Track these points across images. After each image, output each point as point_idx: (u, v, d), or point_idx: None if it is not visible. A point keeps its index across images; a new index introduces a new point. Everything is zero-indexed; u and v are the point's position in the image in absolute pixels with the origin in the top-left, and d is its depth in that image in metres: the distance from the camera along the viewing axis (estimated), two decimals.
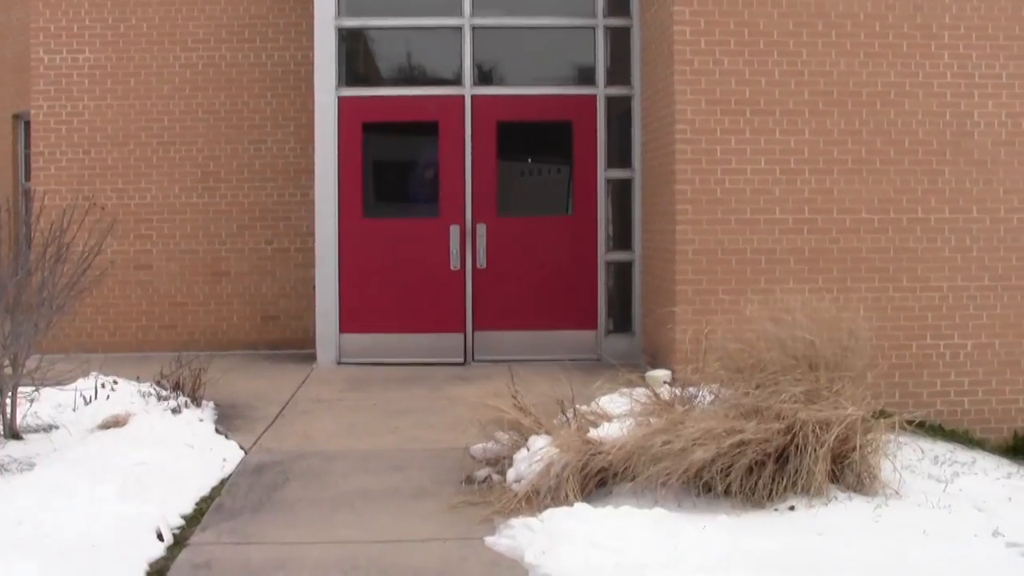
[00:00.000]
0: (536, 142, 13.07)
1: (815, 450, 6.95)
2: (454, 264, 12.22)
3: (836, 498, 7.06)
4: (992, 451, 9.55)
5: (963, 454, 8.88)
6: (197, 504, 7.38)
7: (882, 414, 7.57)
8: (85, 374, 9.44)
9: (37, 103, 13.36)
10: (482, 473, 7.75)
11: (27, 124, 15.10)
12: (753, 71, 10.37)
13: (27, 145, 15.64)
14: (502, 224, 12.35)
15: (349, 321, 12.24)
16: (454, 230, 12.23)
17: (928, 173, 10.50)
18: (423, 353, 12.05)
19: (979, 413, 10.49)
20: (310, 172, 12.49)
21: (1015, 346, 10.55)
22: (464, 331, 12.36)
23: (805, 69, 10.40)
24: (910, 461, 7.99)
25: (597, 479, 7.19)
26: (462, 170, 12.40)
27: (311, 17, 12.36)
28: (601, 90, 12.45)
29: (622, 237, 12.47)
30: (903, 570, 5.95)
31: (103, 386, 9.38)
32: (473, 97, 12.39)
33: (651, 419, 7.38)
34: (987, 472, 8.36)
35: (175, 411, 9.12)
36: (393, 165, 13.05)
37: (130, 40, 13.35)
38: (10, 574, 5.58)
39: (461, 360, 12.23)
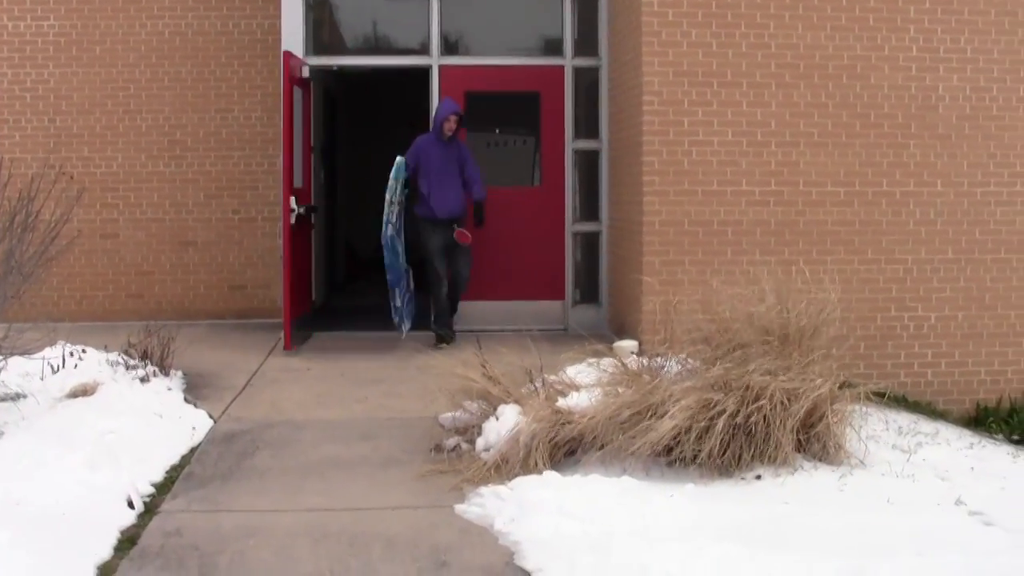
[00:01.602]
0: (504, 113, 13.05)
1: (783, 421, 7.02)
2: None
3: (802, 467, 7.15)
4: (955, 422, 9.65)
5: (927, 425, 8.97)
6: (167, 472, 7.40)
7: (847, 385, 7.65)
8: (52, 343, 9.38)
9: (1, 70, 13.25)
10: (451, 442, 7.80)
11: None
12: (720, 43, 10.39)
13: None
14: None
15: None
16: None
17: (893, 146, 10.57)
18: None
19: (942, 385, 10.60)
20: (277, 141, 12.42)
21: (978, 319, 10.66)
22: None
23: (772, 42, 10.43)
24: (875, 431, 8.10)
25: (566, 448, 7.25)
26: None
27: None
28: (569, 61, 12.45)
29: (590, 208, 12.50)
30: (868, 537, 6.03)
31: (71, 355, 9.34)
32: (441, 67, 12.36)
33: (619, 389, 7.44)
34: (950, 443, 8.46)
35: (143, 380, 9.10)
36: None
37: (95, 7, 13.24)
38: None
39: (428, 331, 12.23)
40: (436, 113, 11.62)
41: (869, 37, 10.49)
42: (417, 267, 11.90)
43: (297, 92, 11.70)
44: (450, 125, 11.39)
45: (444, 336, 11.47)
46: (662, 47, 10.36)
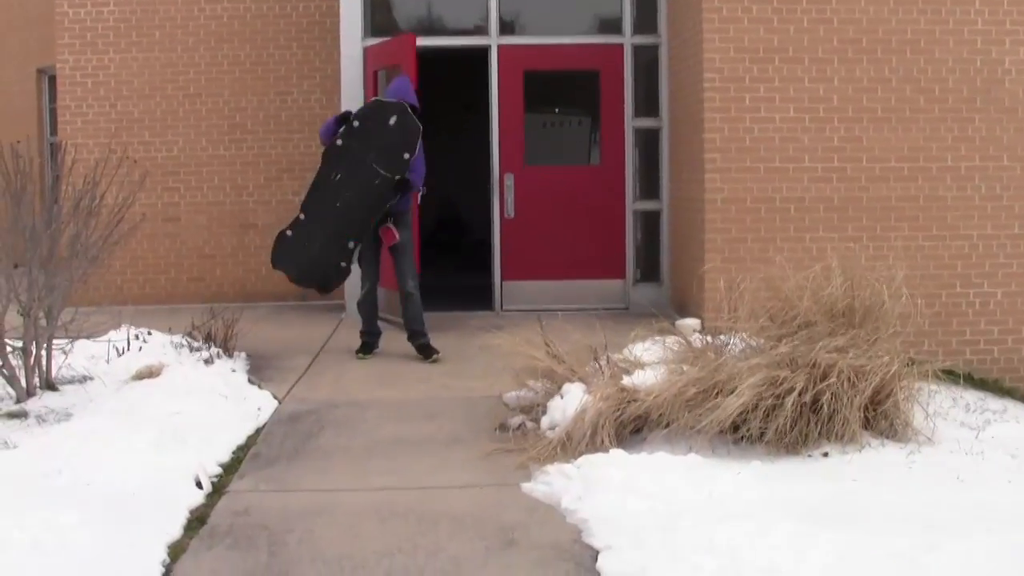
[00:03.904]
0: (563, 92, 13.04)
1: (850, 399, 6.96)
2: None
3: (869, 445, 7.09)
4: (1022, 399, 9.55)
5: (994, 402, 8.90)
6: (234, 453, 7.44)
7: (913, 362, 7.58)
8: (117, 326, 9.50)
9: (63, 57, 13.36)
10: (515, 421, 7.79)
11: (52, 79, 15.12)
12: (782, 19, 10.31)
13: (52, 99, 15.68)
14: (530, 174, 12.33)
15: None
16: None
17: (958, 121, 10.45)
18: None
19: (1008, 362, 10.49)
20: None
21: None
22: (492, 280, 12.39)
23: (834, 16, 10.34)
24: (942, 409, 8.01)
25: (631, 426, 7.23)
26: (487, 120, 12.42)
27: None
28: (628, 39, 12.38)
29: (650, 186, 12.44)
30: (938, 514, 5.96)
31: (136, 338, 9.44)
32: (499, 47, 12.34)
33: (684, 367, 7.40)
34: (1019, 420, 8.39)
35: (207, 362, 9.17)
36: None
37: None
38: (52, 522, 5.63)
39: (490, 310, 12.26)
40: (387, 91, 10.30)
41: (933, 10, 10.36)
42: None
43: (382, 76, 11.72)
44: None
45: (421, 348, 10.06)
46: (723, 23, 10.29)
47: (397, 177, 9.64)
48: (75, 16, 13.31)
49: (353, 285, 11.86)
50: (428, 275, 14.62)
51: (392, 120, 9.62)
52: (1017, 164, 10.48)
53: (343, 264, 9.84)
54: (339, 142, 9.77)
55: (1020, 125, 10.46)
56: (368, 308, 10.14)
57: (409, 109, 9.65)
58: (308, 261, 9.96)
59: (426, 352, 9.96)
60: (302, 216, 9.96)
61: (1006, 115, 10.46)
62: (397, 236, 9.80)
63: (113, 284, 12.59)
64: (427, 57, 11.79)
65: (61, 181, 8.85)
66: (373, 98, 9.82)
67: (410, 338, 10.09)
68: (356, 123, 9.75)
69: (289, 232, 10.01)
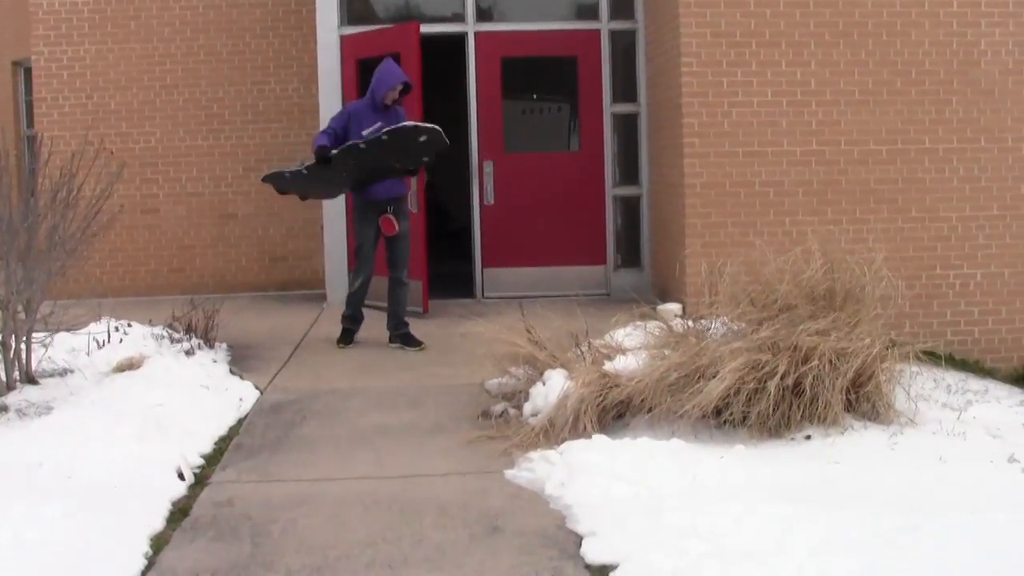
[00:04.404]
0: (541, 78, 13.03)
1: (832, 381, 6.98)
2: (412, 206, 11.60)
3: (852, 427, 7.09)
4: (1004, 380, 9.59)
5: (975, 383, 8.92)
6: (216, 444, 7.41)
7: (895, 344, 7.59)
8: (97, 319, 9.45)
9: (38, 49, 13.30)
10: (498, 408, 7.78)
11: (27, 71, 15.03)
12: (758, 3, 10.33)
13: (28, 92, 15.59)
14: (510, 161, 12.33)
15: None
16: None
17: (936, 103, 10.48)
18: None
19: (989, 343, 10.54)
20: (314, 112, 12.39)
21: None
22: (472, 268, 12.38)
23: (810, 0, 10.34)
24: (924, 390, 8.01)
25: (614, 412, 7.23)
26: (465, 107, 12.41)
27: None
28: (605, 24, 12.37)
29: (629, 172, 12.45)
30: (920, 495, 5.98)
31: (116, 330, 9.39)
32: (477, 34, 12.32)
33: (666, 352, 7.40)
34: (1000, 400, 8.39)
35: (189, 353, 9.14)
36: None
37: None
38: (34, 516, 5.62)
39: (471, 298, 12.25)
40: (377, 78, 9.82)
41: None
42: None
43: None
44: (393, 95, 9.79)
45: (404, 338, 10.02)
46: (699, 7, 10.30)
47: (410, 168, 9.82)
48: (50, 7, 13.24)
49: (333, 273, 11.90)
50: None
51: (423, 138, 9.59)
52: (994, 145, 10.51)
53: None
54: (362, 145, 9.61)
55: (996, 106, 10.50)
56: (358, 299, 10.07)
57: (441, 132, 9.60)
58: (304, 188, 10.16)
59: (410, 341, 9.92)
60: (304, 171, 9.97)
61: (982, 97, 10.49)
62: (396, 227, 9.75)
63: (92, 276, 12.50)
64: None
65: (38, 174, 8.79)
66: (409, 123, 9.69)
67: (395, 327, 10.02)
68: (385, 137, 9.58)
69: (288, 174, 10.13)
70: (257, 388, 8.71)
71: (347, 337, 10.13)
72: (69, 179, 8.65)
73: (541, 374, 7.64)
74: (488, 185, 12.27)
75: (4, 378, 8.27)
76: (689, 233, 10.35)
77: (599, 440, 6.75)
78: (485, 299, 12.24)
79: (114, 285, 13.06)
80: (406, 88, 9.87)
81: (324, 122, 11.41)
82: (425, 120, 10.04)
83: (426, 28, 12.27)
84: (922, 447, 6.86)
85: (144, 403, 7.72)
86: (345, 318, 10.15)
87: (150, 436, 7.07)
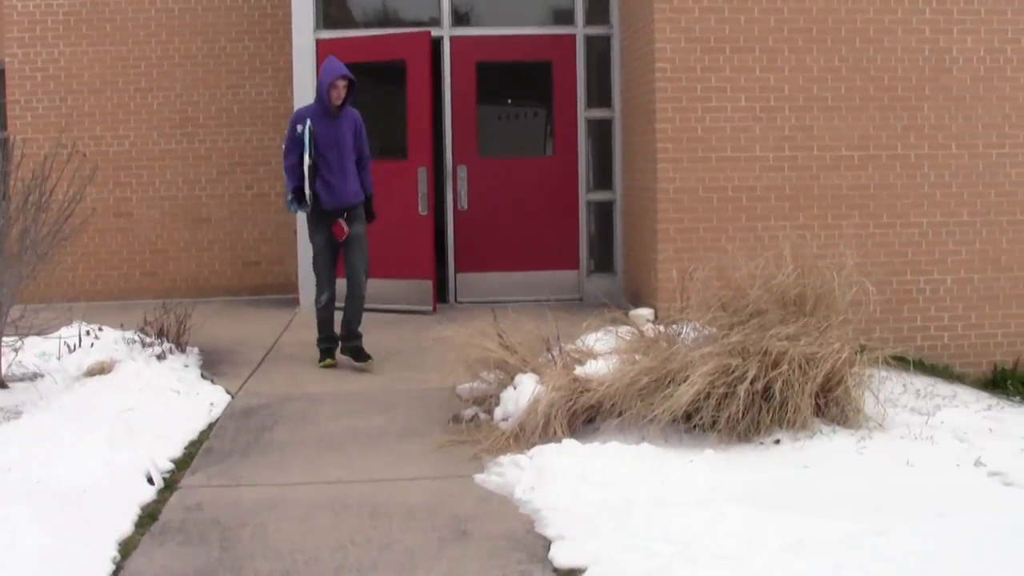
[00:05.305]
0: (516, 83, 13.03)
1: (801, 386, 7.01)
2: (422, 209, 11.71)
3: (821, 431, 7.13)
4: (972, 384, 9.64)
5: (944, 388, 8.96)
6: (186, 448, 7.40)
7: (864, 349, 7.63)
8: (68, 322, 9.42)
9: (11, 51, 13.24)
10: (469, 412, 7.80)
11: (0, 73, 14.96)
12: (732, 8, 10.35)
13: (1, 94, 15.51)
14: (483, 165, 12.34)
15: None
16: (422, 173, 11.76)
17: (907, 110, 10.53)
18: (402, 298, 11.95)
19: (959, 347, 10.60)
20: (289, 116, 12.34)
21: (993, 281, 10.64)
22: (446, 273, 12.39)
23: (784, 7, 10.39)
24: (893, 395, 8.08)
25: (584, 416, 7.25)
26: (440, 112, 12.40)
27: None
28: (580, 29, 12.40)
29: (603, 177, 12.47)
30: (888, 499, 6.01)
31: (87, 334, 9.37)
32: (452, 38, 12.33)
33: (637, 356, 7.43)
34: (968, 405, 8.44)
35: (160, 357, 9.12)
36: (372, 107, 12.95)
37: None
38: (1, 520, 5.59)
39: (444, 302, 12.25)
40: (320, 77, 9.47)
41: (882, 0, 10.42)
42: None
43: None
44: (338, 92, 9.29)
45: (354, 351, 9.58)
46: (674, 13, 10.32)
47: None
48: (24, 9, 13.19)
49: (306, 277, 11.84)
50: None
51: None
52: (965, 151, 10.57)
53: None
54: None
55: (968, 113, 10.56)
56: (328, 317, 9.57)
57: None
58: None
59: (358, 355, 9.49)
60: None
61: (954, 103, 10.55)
62: (347, 229, 9.37)
63: (64, 280, 12.48)
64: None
65: (10, 176, 8.76)
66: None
67: (346, 338, 9.56)
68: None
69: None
70: (228, 392, 8.70)
71: (328, 354, 9.64)
72: (41, 182, 8.62)
73: (512, 378, 7.65)
74: (462, 190, 12.28)
75: None
76: (661, 238, 10.37)
77: (569, 444, 6.77)
78: (458, 303, 12.25)
79: (86, 289, 13.00)
80: (352, 85, 9.37)
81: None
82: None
83: (405, 31, 12.29)
84: (890, 451, 6.91)
85: (115, 407, 7.72)
86: (320, 341, 9.63)
87: (120, 441, 7.04)
